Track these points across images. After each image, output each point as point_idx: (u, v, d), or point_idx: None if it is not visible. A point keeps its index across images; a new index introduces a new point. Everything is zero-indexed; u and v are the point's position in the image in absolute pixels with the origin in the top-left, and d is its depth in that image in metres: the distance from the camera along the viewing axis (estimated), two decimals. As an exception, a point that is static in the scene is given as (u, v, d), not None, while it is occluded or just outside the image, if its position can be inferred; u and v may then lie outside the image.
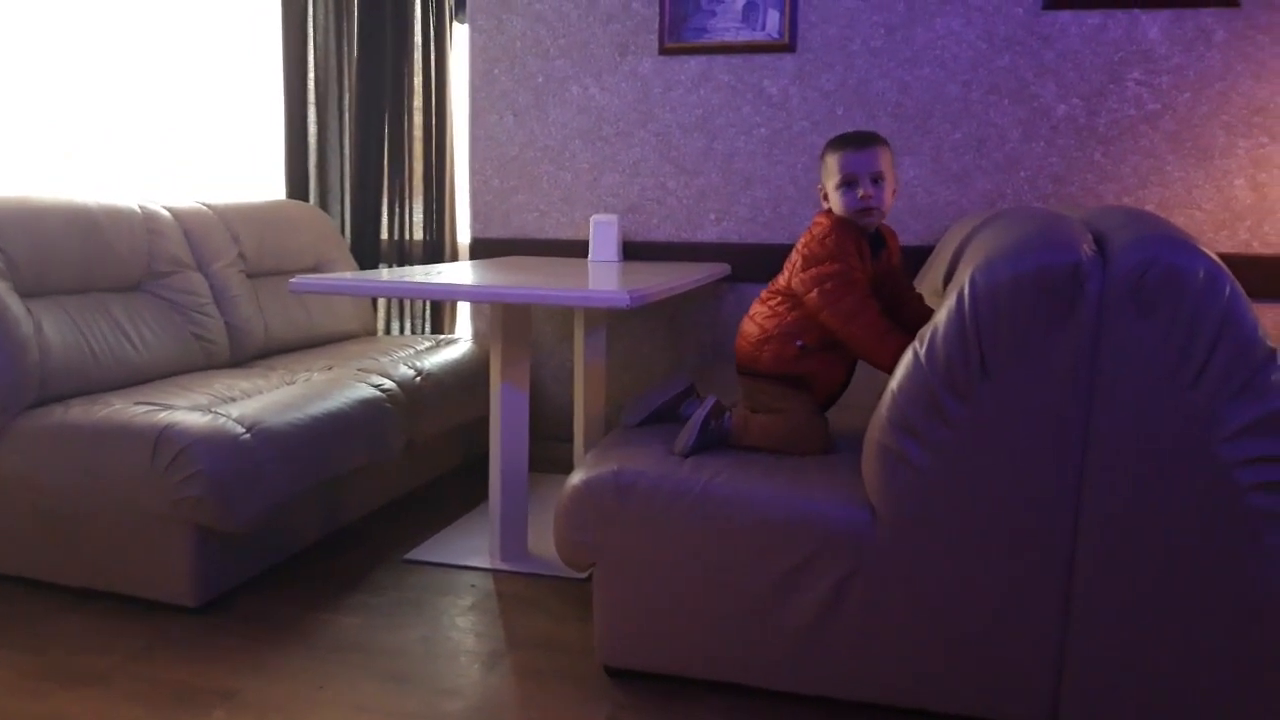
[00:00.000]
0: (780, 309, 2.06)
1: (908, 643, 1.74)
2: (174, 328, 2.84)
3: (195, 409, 2.34)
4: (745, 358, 2.10)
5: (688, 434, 1.97)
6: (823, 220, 2.03)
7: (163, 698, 1.87)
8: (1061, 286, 1.55)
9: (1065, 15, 2.91)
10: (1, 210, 2.47)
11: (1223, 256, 2.84)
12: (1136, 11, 2.86)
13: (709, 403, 2.01)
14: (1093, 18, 2.89)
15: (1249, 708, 1.62)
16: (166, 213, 3.00)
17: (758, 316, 2.10)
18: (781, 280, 2.08)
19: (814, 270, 1.96)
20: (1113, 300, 1.54)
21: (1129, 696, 1.66)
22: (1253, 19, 2.80)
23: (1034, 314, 1.56)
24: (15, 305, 2.37)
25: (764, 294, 2.12)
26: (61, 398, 2.44)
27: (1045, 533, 1.64)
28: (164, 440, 2.16)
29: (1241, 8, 2.79)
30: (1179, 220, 2.91)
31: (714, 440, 2.00)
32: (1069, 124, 2.95)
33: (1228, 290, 1.51)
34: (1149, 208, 2.93)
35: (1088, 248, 1.56)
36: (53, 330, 2.46)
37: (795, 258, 2.04)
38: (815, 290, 1.95)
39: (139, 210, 2.90)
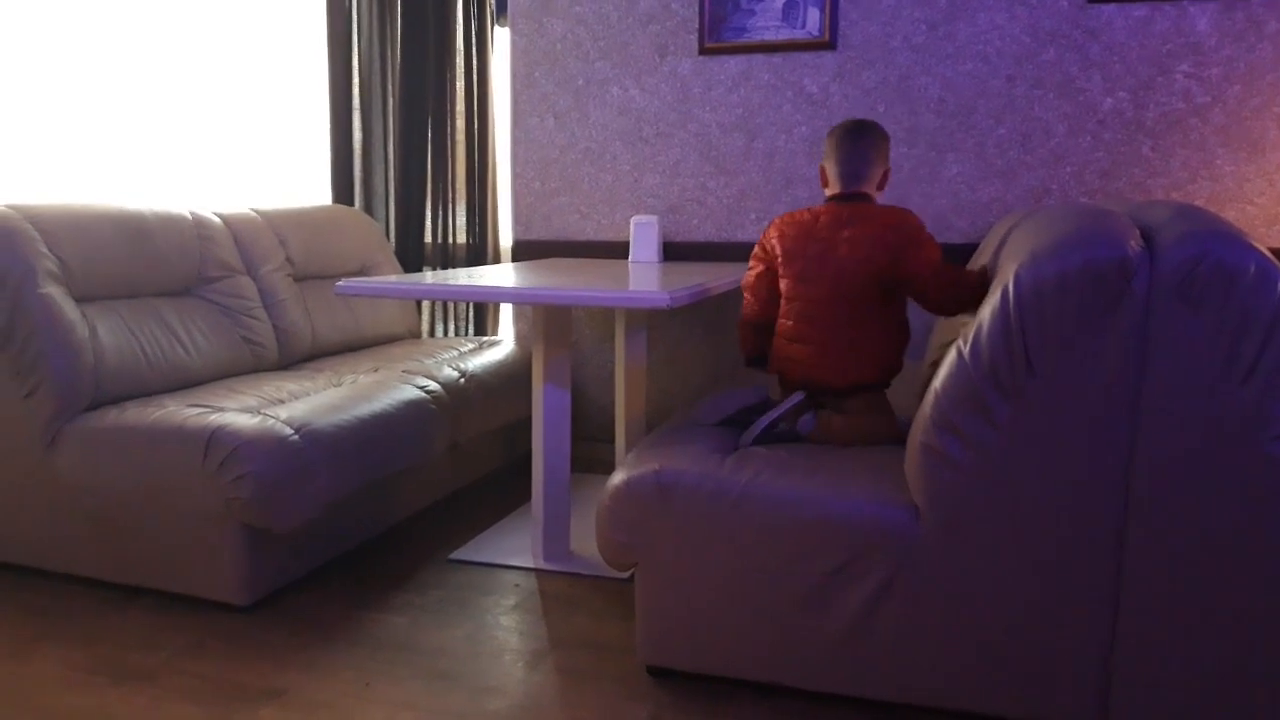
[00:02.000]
0: (881, 313, 2.05)
1: (951, 643, 1.73)
2: (224, 331, 2.90)
3: (245, 411, 2.38)
4: (862, 376, 2.07)
5: (751, 431, 2.04)
6: (904, 211, 2.07)
7: (212, 694, 1.91)
8: (1108, 282, 1.52)
9: (1111, 8, 2.86)
10: (56, 217, 2.54)
11: (1275, 252, 2.80)
12: (1185, 3, 2.81)
13: (794, 399, 2.04)
14: (1139, 10, 2.84)
15: (1305, 712, 1.59)
16: (216, 219, 3.06)
17: (869, 340, 2.05)
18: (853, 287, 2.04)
19: (934, 250, 2.01)
20: (1161, 296, 1.52)
21: (1179, 696, 1.63)
22: (1307, 8, 2.74)
23: (1080, 310, 1.54)
24: (70, 310, 2.43)
25: (835, 311, 2.06)
26: (115, 400, 2.50)
27: (1091, 531, 1.62)
28: (215, 441, 2.21)
29: (1295, -3, 2.73)
30: (1230, 215, 2.85)
31: (781, 439, 2.03)
32: (1116, 118, 2.90)
33: (1280, 285, 1.48)
34: (1199, 202, 2.87)
35: (1135, 243, 1.54)
36: (106, 334, 2.52)
37: (906, 258, 2.00)
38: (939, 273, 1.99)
39: (190, 216, 2.96)
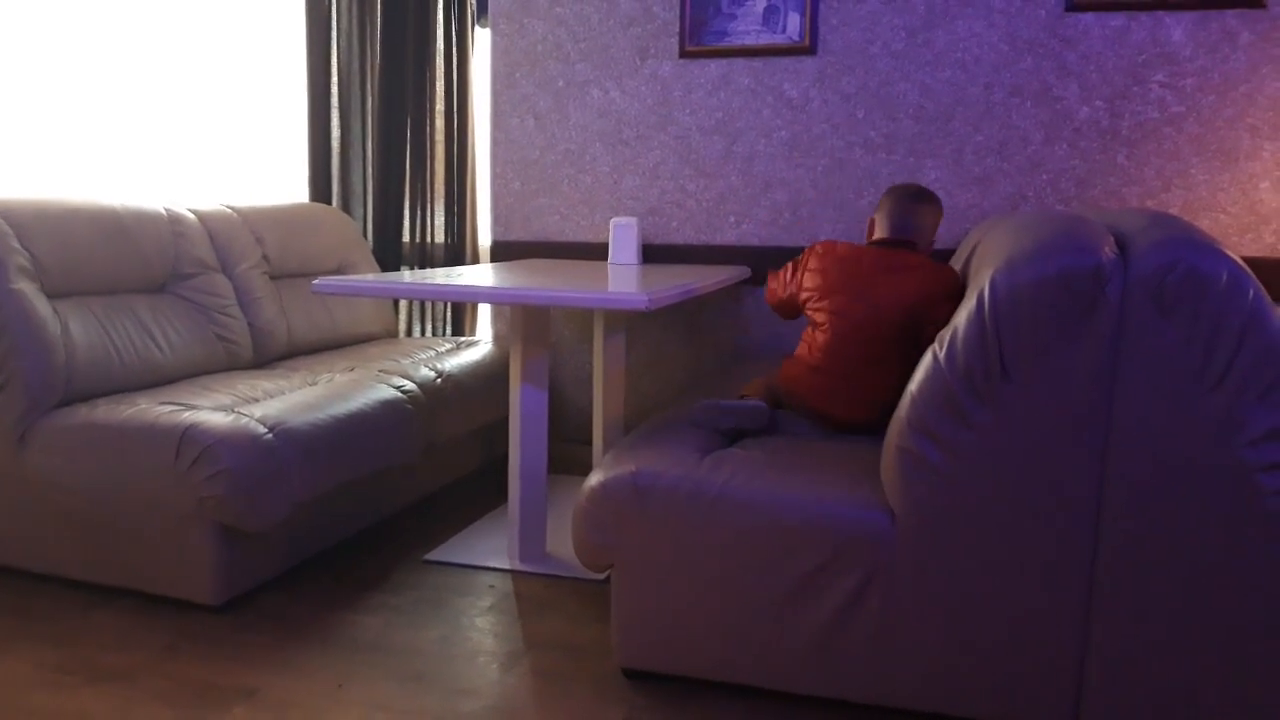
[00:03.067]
0: (901, 355, 2.11)
1: (927, 646, 1.74)
2: (198, 329, 2.87)
3: (218, 409, 2.36)
4: (869, 415, 2.16)
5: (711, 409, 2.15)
6: (953, 269, 2.15)
7: (184, 695, 1.89)
8: (1083, 289, 1.54)
9: (1088, 17, 2.89)
10: (29, 212, 2.51)
11: (1247, 260, 2.84)
12: (1160, 13, 2.84)
13: (755, 406, 2.13)
14: (1116, 19, 2.87)
15: (1273, 712, 1.60)
16: (191, 215, 3.04)
17: (884, 381, 2.12)
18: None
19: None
20: (1134, 303, 1.53)
21: (1151, 700, 1.65)
22: (1279, 20, 2.77)
23: (1055, 316, 1.56)
24: (42, 306, 2.40)
25: (862, 350, 2.12)
26: (87, 397, 2.47)
27: (1065, 535, 1.63)
28: (187, 440, 2.19)
29: (1267, 9, 2.77)
30: (1203, 223, 2.88)
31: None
32: (1092, 126, 2.93)
33: (1251, 293, 1.49)
34: (1172, 211, 2.90)
35: (1109, 250, 1.55)
36: (79, 331, 2.49)
37: (936, 309, 2.06)
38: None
39: (164, 213, 2.93)
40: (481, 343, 3.50)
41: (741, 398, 2.19)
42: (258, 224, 3.27)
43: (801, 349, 2.23)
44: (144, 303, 2.76)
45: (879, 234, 2.26)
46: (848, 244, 2.23)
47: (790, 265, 2.33)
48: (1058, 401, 1.59)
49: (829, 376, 2.14)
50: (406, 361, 3.07)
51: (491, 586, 2.45)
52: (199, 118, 4.23)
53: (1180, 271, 1.50)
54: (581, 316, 3.48)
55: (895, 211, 2.23)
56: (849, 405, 2.14)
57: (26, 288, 2.38)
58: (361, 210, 3.82)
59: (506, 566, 2.56)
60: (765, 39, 3.15)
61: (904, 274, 2.10)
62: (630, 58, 3.29)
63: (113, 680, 1.95)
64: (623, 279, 2.51)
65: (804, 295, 2.24)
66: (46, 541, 2.37)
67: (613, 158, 3.36)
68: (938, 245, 3.07)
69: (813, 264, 2.24)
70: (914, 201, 2.24)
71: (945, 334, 1.66)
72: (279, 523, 2.27)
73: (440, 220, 3.75)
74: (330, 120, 3.79)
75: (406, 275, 2.59)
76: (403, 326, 3.87)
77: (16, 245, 2.41)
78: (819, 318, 2.18)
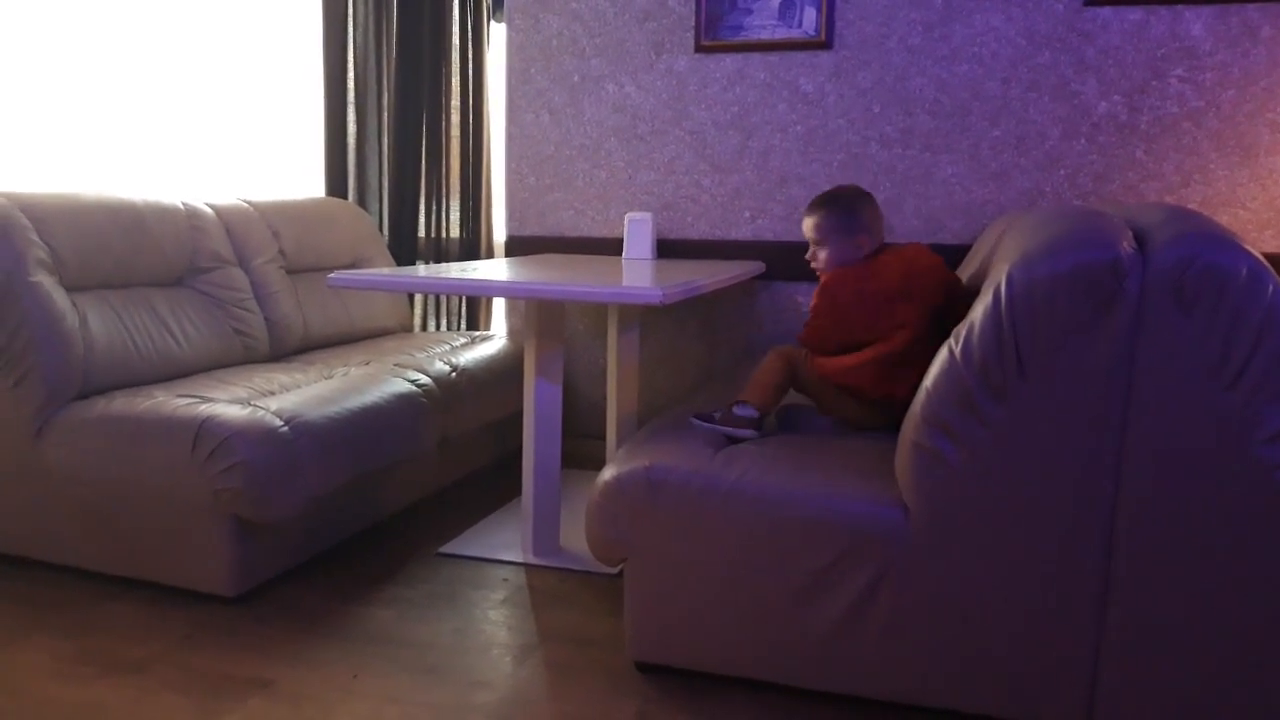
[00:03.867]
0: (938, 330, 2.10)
1: (940, 642, 1.73)
2: (215, 322, 2.89)
3: (235, 402, 2.38)
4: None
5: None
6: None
7: (199, 686, 1.90)
8: (1101, 284, 1.53)
9: (1106, 11, 2.87)
10: (48, 206, 2.53)
11: (1267, 256, 2.81)
12: (1180, 7, 2.81)
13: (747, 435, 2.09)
14: (1134, 14, 2.85)
15: (1290, 714, 1.60)
16: (209, 209, 3.05)
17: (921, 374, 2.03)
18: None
19: None
20: (1152, 298, 1.52)
21: (1165, 696, 1.64)
22: (1301, 14, 2.75)
23: (1072, 312, 1.55)
24: (61, 299, 2.42)
25: (909, 352, 2.05)
26: (105, 390, 2.49)
27: (1081, 532, 1.62)
28: (204, 432, 2.20)
29: (1289, 3, 2.74)
30: (1223, 219, 2.86)
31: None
32: (1110, 121, 2.91)
33: (1271, 289, 1.48)
34: (1192, 206, 2.88)
35: (1127, 244, 1.54)
36: (97, 323, 2.51)
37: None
38: None
39: (182, 207, 2.94)
40: (496, 337, 3.50)
41: (741, 403, 2.10)
42: (274, 218, 3.29)
43: (888, 347, 2.05)
44: (161, 296, 2.78)
45: (874, 241, 2.18)
46: (854, 266, 2.13)
47: (816, 315, 2.15)
48: (1073, 398, 1.58)
49: (903, 366, 2.03)
50: (421, 355, 3.08)
51: (505, 580, 2.45)
52: (216, 113, 4.25)
53: (1199, 266, 1.49)
54: (596, 311, 3.49)
55: (875, 219, 2.19)
56: (910, 387, 1.98)
57: (45, 281, 2.40)
58: (377, 205, 3.84)
59: (520, 560, 2.56)
60: (781, 33, 3.14)
61: (926, 256, 2.13)
62: (645, 52, 3.29)
63: (128, 671, 1.96)
64: (637, 274, 2.51)
65: (892, 308, 2.09)
66: (63, 533, 2.39)
67: (627, 153, 3.36)
68: (952, 241, 3.05)
69: (843, 298, 2.11)
70: (876, 205, 2.23)
71: (961, 329, 1.65)
72: (294, 515, 2.28)
73: (455, 215, 3.76)
74: (346, 115, 3.80)
75: (422, 269, 2.60)
76: (418, 321, 3.89)
77: (35, 238, 2.43)
78: (906, 317, 2.05)
